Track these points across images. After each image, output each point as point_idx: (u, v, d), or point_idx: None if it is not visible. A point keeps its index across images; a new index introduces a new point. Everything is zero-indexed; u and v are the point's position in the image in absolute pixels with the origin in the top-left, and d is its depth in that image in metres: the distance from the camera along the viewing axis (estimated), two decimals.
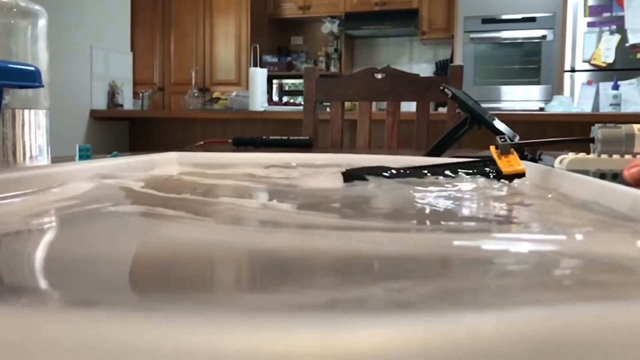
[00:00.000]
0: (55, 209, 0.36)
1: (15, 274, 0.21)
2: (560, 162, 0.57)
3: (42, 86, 0.54)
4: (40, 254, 0.25)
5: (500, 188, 0.47)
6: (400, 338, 0.09)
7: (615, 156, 0.55)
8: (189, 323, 0.10)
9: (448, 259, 0.24)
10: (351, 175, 0.51)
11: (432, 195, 0.43)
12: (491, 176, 0.51)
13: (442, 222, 0.34)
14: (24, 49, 0.58)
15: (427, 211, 0.38)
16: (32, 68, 0.52)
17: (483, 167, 0.52)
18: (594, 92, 3.22)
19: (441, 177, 0.51)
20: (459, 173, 0.52)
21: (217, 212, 0.36)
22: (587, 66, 3.39)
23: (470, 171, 0.52)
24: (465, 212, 0.38)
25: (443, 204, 0.40)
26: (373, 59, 4.75)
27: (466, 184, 0.49)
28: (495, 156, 0.51)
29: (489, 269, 0.22)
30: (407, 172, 0.52)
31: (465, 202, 0.41)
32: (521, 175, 0.50)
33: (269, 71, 3.21)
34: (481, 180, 0.50)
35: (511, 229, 0.33)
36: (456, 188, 0.47)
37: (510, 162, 0.51)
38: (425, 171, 0.52)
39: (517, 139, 0.59)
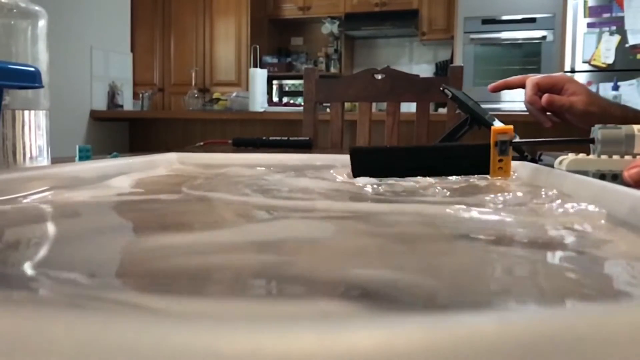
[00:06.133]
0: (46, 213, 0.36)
1: (14, 274, 0.21)
2: (560, 162, 0.57)
3: (42, 87, 0.54)
4: (38, 256, 0.25)
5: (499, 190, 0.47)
6: (400, 338, 0.09)
7: (615, 157, 0.55)
8: (190, 324, 0.10)
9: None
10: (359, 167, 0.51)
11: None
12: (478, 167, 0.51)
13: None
14: (24, 49, 0.58)
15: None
16: (32, 69, 0.52)
17: (473, 159, 0.52)
18: None
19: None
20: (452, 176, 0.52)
21: (214, 214, 0.36)
22: (587, 67, 3.39)
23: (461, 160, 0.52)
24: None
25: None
26: (373, 59, 4.75)
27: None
28: (492, 149, 0.51)
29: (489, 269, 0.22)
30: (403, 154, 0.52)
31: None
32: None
33: (268, 72, 3.21)
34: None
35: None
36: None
37: (501, 167, 0.51)
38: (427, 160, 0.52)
39: (516, 139, 0.59)
